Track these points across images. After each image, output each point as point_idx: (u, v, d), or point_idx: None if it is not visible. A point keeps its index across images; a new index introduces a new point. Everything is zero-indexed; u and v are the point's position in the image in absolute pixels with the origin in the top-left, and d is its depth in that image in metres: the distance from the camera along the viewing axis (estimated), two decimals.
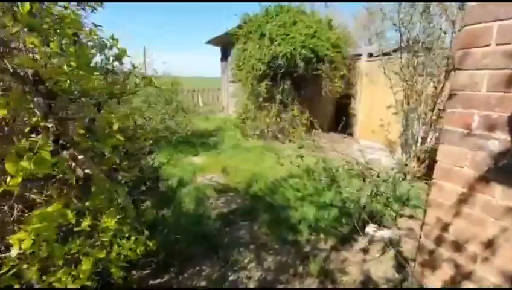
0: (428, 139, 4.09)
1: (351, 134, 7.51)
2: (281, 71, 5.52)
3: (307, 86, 6.03)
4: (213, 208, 3.28)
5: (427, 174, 4.06)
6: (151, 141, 4.95)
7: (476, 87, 1.15)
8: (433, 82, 3.87)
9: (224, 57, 9.74)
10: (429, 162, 4.07)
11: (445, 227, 1.31)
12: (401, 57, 3.94)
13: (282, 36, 5.38)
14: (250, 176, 4.23)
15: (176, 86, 6.02)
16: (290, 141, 6.37)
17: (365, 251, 2.53)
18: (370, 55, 6.92)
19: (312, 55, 5.38)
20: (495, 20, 1.07)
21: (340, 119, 8.22)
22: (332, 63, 5.85)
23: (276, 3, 5.85)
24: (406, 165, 4.38)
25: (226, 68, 9.67)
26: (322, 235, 2.69)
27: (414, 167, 4.20)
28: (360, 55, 6.92)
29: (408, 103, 4.30)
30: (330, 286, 2.11)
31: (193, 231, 2.77)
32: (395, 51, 7.53)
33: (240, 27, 6.04)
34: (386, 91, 6.34)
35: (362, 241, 2.66)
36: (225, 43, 8.78)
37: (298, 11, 5.75)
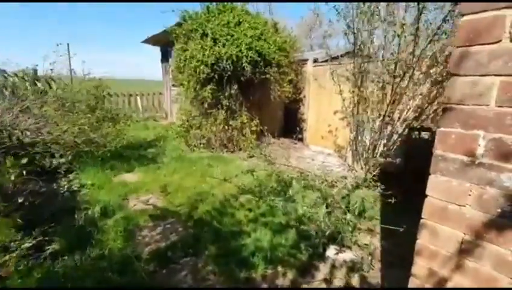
0: (380, 148, 4.05)
1: (301, 139, 7.43)
2: (227, 75, 5.06)
3: (255, 90, 5.68)
4: (146, 243, 2.64)
5: (377, 183, 4.03)
6: (70, 158, 4.02)
7: (482, 100, 0.84)
8: (380, 88, 3.84)
9: (165, 58, 8.89)
10: (380, 170, 4.04)
11: (441, 283, 0.99)
12: (353, 62, 3.81)
13: (226, 37, 4.93)
14: (194, 195, 3.66)
15: (103, 89, 5.09)
16: (240, 149, 5.94)
17: (328, 281, 2.21)
18: (315, 60, 6.93)
19: (259, 58, 5.05)
20: (509, 7, 0.76)
21: (290, 124, 8.16)
22: (280, 67, 5.62)
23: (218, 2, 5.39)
24: (355, 171, 4.33)
25: (167, 70, 8.83)
26: (279, 268, 2.29)
27: (365, 175, 4.15)
28: (306, 60, 6.89)
29: (357, 110, 4.24)
30: None
31: (116, 281, 2.11)
32: (342, 56, 7.75)
33: (179, 25, 5.40)
34: (333, 96, 6.38)
35: (324, 269, 2.34)
36: (165, 43, 7.98)
37: (242, 11, 5.38)
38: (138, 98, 9.58)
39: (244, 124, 5.70)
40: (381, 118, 3.85)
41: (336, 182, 4.22)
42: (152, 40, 8.08)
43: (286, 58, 5.80)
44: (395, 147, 3.90)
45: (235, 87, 5.31)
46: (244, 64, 4.94)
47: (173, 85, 8.14)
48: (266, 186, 3.90)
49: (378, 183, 3.42)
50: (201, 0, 5.39)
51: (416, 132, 4.18)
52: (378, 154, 4.00)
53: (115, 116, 4.93)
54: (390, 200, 2.83)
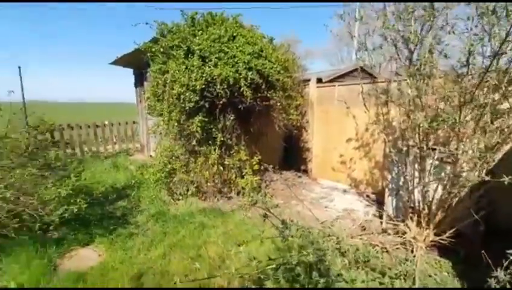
0: (431, 192, 2.98)
1: (305, 171, 6.31)
2: (221, 102, 3.89)
3: (255, 120, 4.55)
4: None
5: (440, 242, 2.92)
6: None
7: None
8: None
9: (139, 82, 7.60)
10: (439, 225, 2.95)
11: None
12: (409, 80, 2.77)
13: (218, 54, 3.81)
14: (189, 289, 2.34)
15: (46, 128, 3.69)
16: (238, 193, 4.67)
17: None
18: (319, 80, 5.98)
19: (261, 80, 3.95)
20: None
21: (290, 153, 7.04)
22: (286, 90, 4.56)
23: (203, 10, 4.31)
24: (408, 229, 3.19)
25: (142, 96, 7.52)
26: None
27: (421, 233, 3.03)
28: (308, 80, 5.92)
29: (403, 141, 3.19)
30: None
31: None
32: (349, 73, 6.88)
33: (155, 41, 4.22)
34: (344, 121, 5.41)
35: None
36: (138, 64, 6.73)
37: (236, 23, 4.33)
38: (107, 128, 8.10)
39: (243, 162, 4.49)
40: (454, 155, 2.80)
41: (385, 248, 3.06)
42: (122, 61, 6.79)
43: (290, 78, 4.77)
44: (471, 195, 2.84)
45: (232, 117, 4.14)
46: (243, 89, 3.80)
47: (149, 113, 6.82)
48: (291, 263, 2.64)
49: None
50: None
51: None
52: (445, 206, 2.91)
53: (61, 167, 3.51)
54: None
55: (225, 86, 3.67)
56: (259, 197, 4.63)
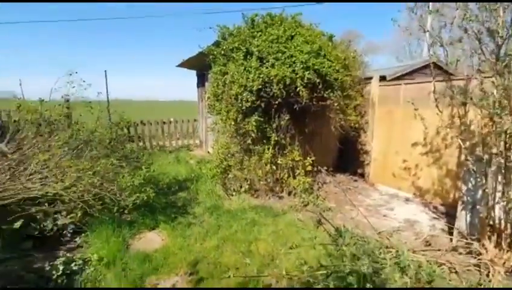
0: None
1: (362, 175, 5.95)
2: (276, 102, 3.93)
3: (311, 120, 4.47)
4: None
5: None
6: (79, 215, 3.08)
7: None
8: None
9: (201, 82, 8.15)
10: None
11: None
12: (494, 78, 2.41)
13: (275, 55, 3.85)
14: (239, 282, 2.45)
15: (125, 124, 4.24)
16: (289, 193, 4.67)
17: None
18: (382, 78, 5.56)
19: (318, 80, 3.86)
20: None
21: (345, 155, 6.72)
22: (344, 90, 4.37)
23: (263, 12, 4.39)
24: (485, 250, 2.76)
25: (202, 96, 8.05)
26: None
27: (501, 256, 2.59)
28: (370, 78, 5.55)
29: (483, 148, 2.77)
30: None
31: None
32: (416, 70, 6.26)
33: (217, 44, 4.48)
34: (410, 123, 4.92)
35: None
36: (201, 66, 7.22)
37: (295, 22, 4.30)
38: (172, 125, 8.91)
39: (297, 163, 4.46)
40: None
41: (453, 268, 2.71)
42: (187, 64, 7.38)
43: (349, 77, 4.55)
44: None
45: (287, 117, 4.14)
46: (299, 89, 3.77)
47: (209, 112, 7.27)
48: (343, 272, 2.54)
49: None
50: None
51: None
52: None
53: (135, 159, 4.00)
54: None
55: (281, 86, 3.69)
56: (311, 199, 4.56)
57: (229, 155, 4.57)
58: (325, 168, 5.20)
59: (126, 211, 3.48)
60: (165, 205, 4.25)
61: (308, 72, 3.80)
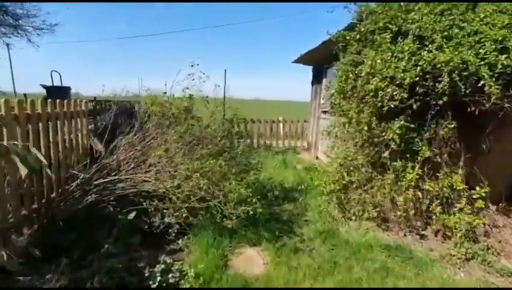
0: None
1: None
2: (440, 102, 2.67)
3: (491, 130, 2.93)
4: None
5: None
6: (184, 215, 2.83)
7: None
8: None
9: (317, 78, 7.33)
10: None
11: None
12: None
13: (446, 32, 2.59)
14: None
15: (237, 121, 3.90)
16: (436, 232, 3.27)
17: None
18: None
19: None
20: None
21: None
22: None
23: None
24: None
25: (317, 94, 7.22)
26: None
27: None
28: None
29: None
30: None
31: None
32: None
33: (351, 27, 3.53)
34: None
35: None
36: (319, 60, 6.40)
37: None
38: (281, 124, 8.50)
39: (456, 191, 3.03)
40: None
41: None
42: (304, 59, 6.71)
43: None
44: None
45: (452, 125, 2.80)
46: (484, 82, 2.41)
47: (324, 112, 6.38)
48: None
49: None
50: None
51: None
52: None
53: (243, 162, 3.56)
54: None
55: (456, 78, 2.43)
56: (479, 251, 3.03)
57: (351, 169, 3.58)
58: (498, 204, 3.45)
59: (228, 221, 3.05)
60: (268, 216, 3.67)
61: (504, 56, 2.38)
